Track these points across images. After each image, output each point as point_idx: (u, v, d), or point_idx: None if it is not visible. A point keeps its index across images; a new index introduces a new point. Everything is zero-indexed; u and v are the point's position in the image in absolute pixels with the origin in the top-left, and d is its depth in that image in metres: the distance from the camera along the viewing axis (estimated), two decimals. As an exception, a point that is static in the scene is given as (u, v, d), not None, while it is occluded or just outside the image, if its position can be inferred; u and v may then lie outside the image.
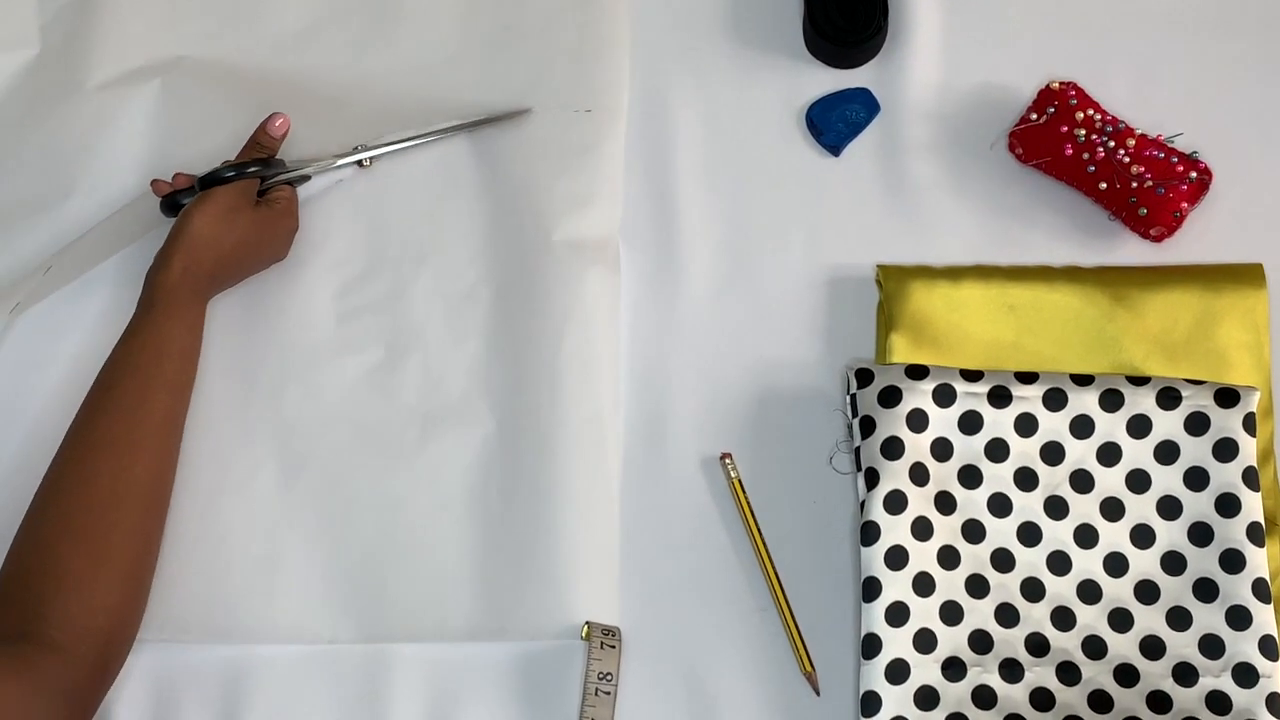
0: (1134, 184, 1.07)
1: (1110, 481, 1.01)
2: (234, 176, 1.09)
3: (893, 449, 1.00)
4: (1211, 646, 0.97)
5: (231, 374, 1.09)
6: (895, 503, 0.99)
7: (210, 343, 1.08)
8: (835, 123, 1.15)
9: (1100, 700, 0.97)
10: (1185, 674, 0.97)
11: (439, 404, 1.08)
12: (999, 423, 1.02)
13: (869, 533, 0.99)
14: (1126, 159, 1.07)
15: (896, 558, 0.99)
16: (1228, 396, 1.01)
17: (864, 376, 1.03)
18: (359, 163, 1.15)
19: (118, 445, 0.98)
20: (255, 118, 1.14)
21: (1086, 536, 1.00)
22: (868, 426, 1.02)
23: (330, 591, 1.03)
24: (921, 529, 0.99)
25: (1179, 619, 0.98)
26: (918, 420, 1.01)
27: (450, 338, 1.10)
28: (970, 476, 1.01)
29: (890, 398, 1.01)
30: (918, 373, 1.02)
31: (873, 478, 1.00)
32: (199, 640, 1.02)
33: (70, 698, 0.91)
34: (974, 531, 1.01)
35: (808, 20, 1.16)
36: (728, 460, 1.05)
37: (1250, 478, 0.99)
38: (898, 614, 0.97)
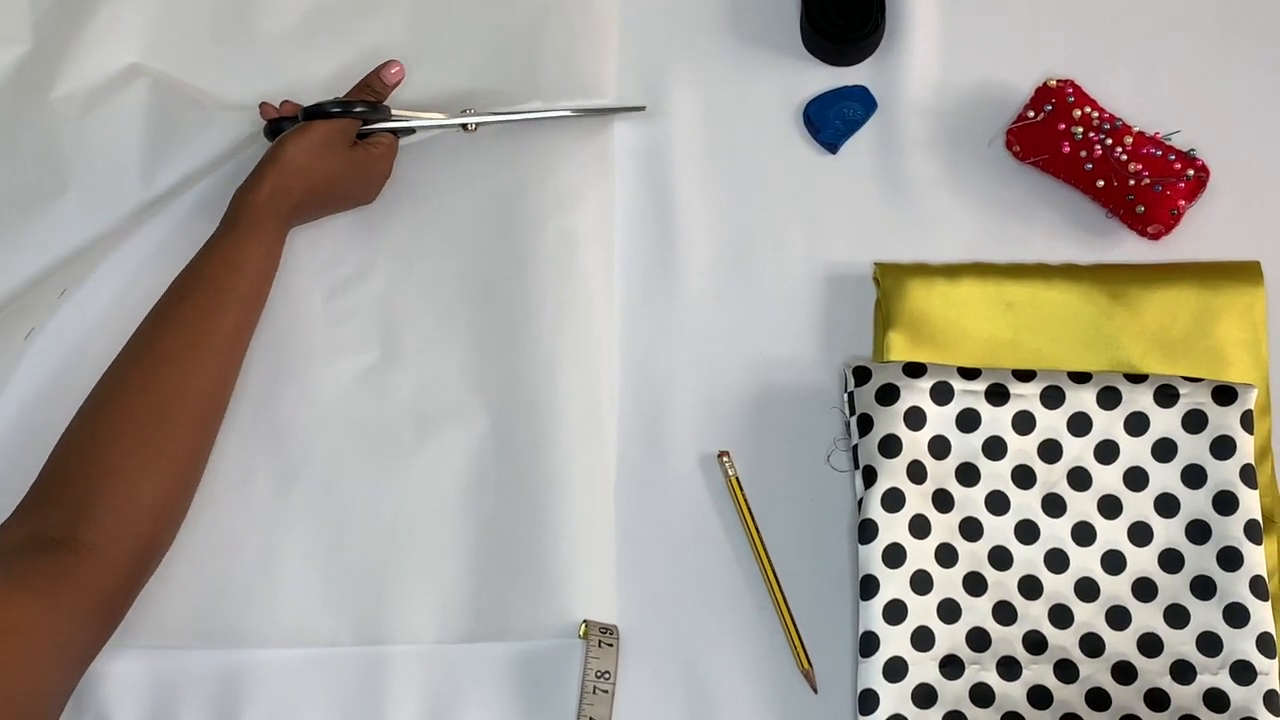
0: (1131, 181, 1.07)
1: (1108, 479, 1.01)
2: (339, 113, 1.09)
3: (890, 447, 1.00)
4: (1209, 644, 0.97)
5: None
6: (893, 501, 0.99)
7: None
8: (833, 120, 1.15)
9: (1098, 698, 0.97)
10: (1183, 672, 0.97)
11: (434, 404, 1.08)
12: (997, 420, 1.02)
13: (867, 530, 0.99)
14: (1124, 156, 1.07)
15: (894, 556, 0.99)
16: (1225, 394, 1.01)
17: (861, 374, 1.03)
18: (464, 126, 1.14)
19: (184, 355, 0.99)
20: (250, 115, 1.14)
21: (1084, 534, 1.00)
22: (865, 424, 1.01)
23: (328, 594, 1.03)
24: (919, 527, 0.99)
25: (1177, 617, 0.98)
26: (915, 418, 1.01)
27: (444, 337, 1.10)
28: (968, 474, 1.01)
29: (888, 395, 1.01)
30: (915, 370, 1.02)
31: (870, 475, 1.00)
32: (196, 645, 1.02)
33: (98, 607, 0.91)
34: (972, 529, 1.00)
35: (805, 17, 1.16)
36: (725, 458, 1.05)
37: (1248, 475, 0.99)
38: (895, 612, 0.97)
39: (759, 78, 1.17)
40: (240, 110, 1.16)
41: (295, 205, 1.07)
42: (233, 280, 1.02)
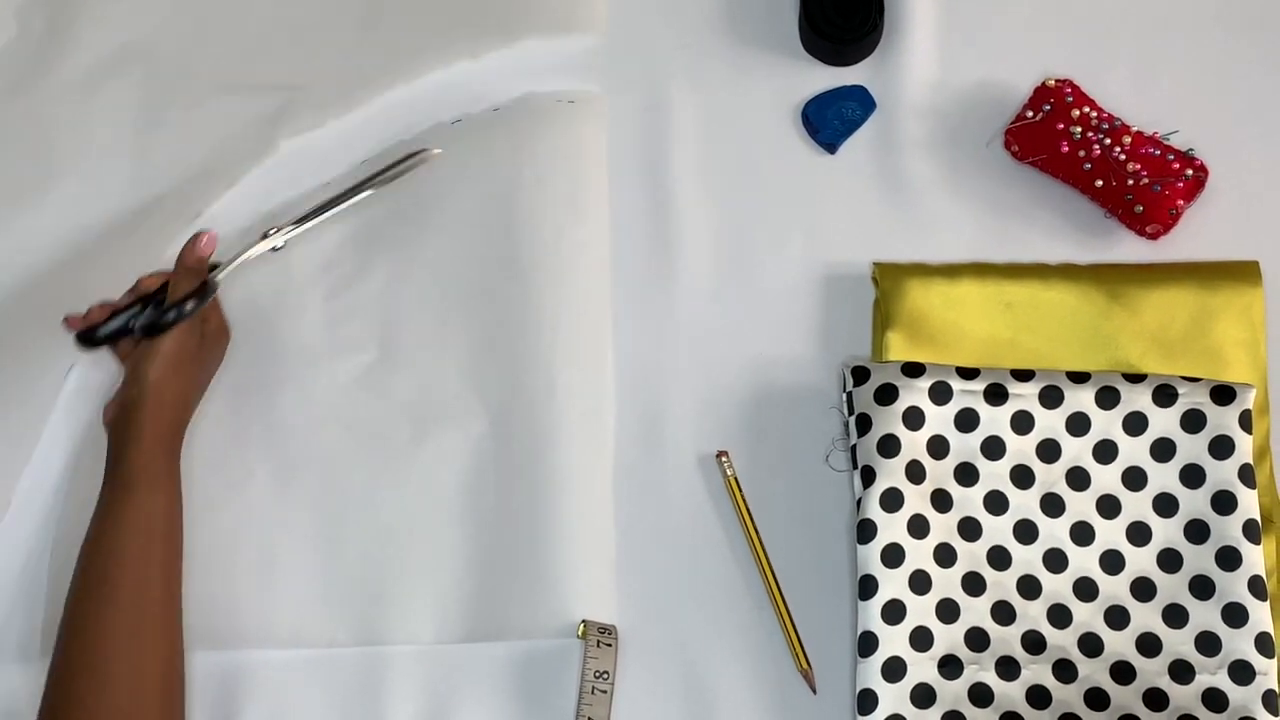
0: (1130, 181, 1.07)
1: (1107, 479, 1.01)
2: (175, 320, 1.00)
3: (889, 447, 1.00)
4: (1208, 644, 0.97)
5: (223, 378, 1.09)
6: (892, 500, 0.99)
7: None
8: (831, 120, 1.15)
9: (1097, 698, 0.97)
10: (1182, 671, 0.97)
11: (432, 404, 1.08)
12: (995, 420, 1.02)
13: (865, 530, 0.99)
14: (1123, 156, 1.07)
15: (893, 556, 0.98)
16: (1224, 394, 1.00)
17: (860, 374, 1.03)
18: (272, 249, 1.06)
19: (131, 646, 0.93)
20: (241, 99, 1.15)
21: (1083, 534, 1.00)
22: (864, 424, 1.01)
23: (327, 594, 1.03)
24: (918, 527, 0.99)
25: (1175, 616, 0.98)
26: (914, 418, 1.01)
27: (442, 337, 1.10)
28: (967, 474, 1.01)
29: (887, 395, 1.01)
30: (914, 370, 1.02)
31: (869, 475, 1.00)
32: (196, 646, 1.01)
33: None
34: (971, 529, 1.00)
35: (804, 17, 1.16)
36: (724, 458, 1.05)
37: (1246, 475, 0.99)
38: (894, 612, 0.97)
39: (757, 78, 1.17)
40: (233, 90, 1.16)
41: (178, 429, 1.02)
42: (150, 548, 0.96)
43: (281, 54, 1.20)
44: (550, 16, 1.19)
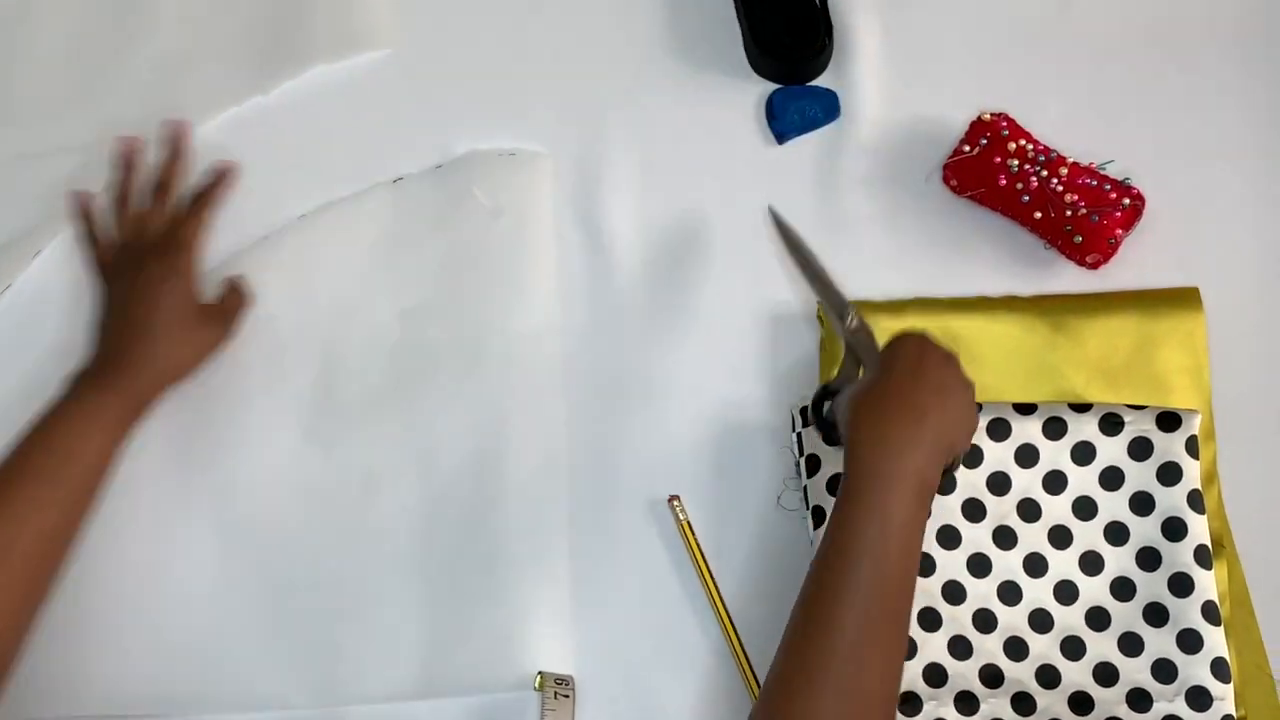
0: (1068, 212, 1.08)
1: (1057, 510, 1.01)
2: None
3: (838, 487, 1.00)
4: (1164, 671, 0.97)
5: (166, 439, 1.08)
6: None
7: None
8: (791, 114, 1.16)
9: (1058, 729, 0.97)
10: (1139, 699, 0.97)
11: (380, 460, 1.07)
12: (944, 455, 1.02)
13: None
14: (1060, 187, 1.08)
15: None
16: (1169, 420, 1.01)
17: (806, 417, 1.03)
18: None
19: None
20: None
21: (1036, 565, 1.00)
22: (813, 465, 1.01)
23: (279, 656, 1.02)
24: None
25: (1130, 645, 0.98)
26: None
27: (387, 392, 1.09)
28: (918, 510, 1.01)
29: (835, 436, 1.01)
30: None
31: (820, 516, 1.00)
32: (148, 714, 1.00)
33: None
34: (925, 565, 1.00)
35: (749, 37, 1.16)
36: (676, 502, 1.04)
37: (1195, 500, 1.00)
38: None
39: (703, 116, 1.17)
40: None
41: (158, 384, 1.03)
42: (63, 472, 0.95)
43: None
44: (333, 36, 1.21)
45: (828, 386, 1.00)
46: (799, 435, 1.03)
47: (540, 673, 1.00)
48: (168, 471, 1.07)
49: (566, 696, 0.98)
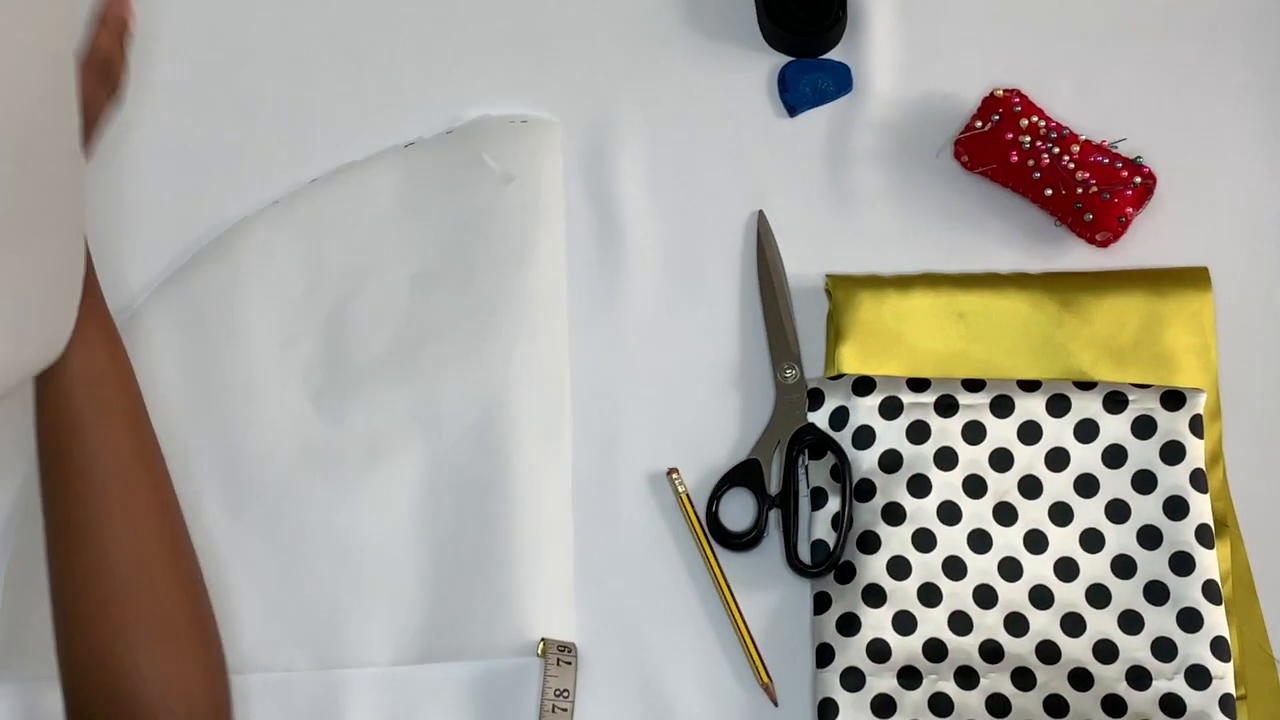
0: (1079, 190, 1.07)
1: (1059, 487, 1.01)
2: None
3: (839, 472, 1.01)
4: (1163, 649, 0.97)
5: (172, 402, 1.08)
6: (841, 522, 1.00)
7: (149, 374, 1.07)
8: (803, 86, 1.15)
9: (1056, 705, 0.97)
10: (1138, 677, 0.97)
11: (386, 425, 1.07)
12: (947, 431, 1.02)
13: (817, 552, 1.00)
14: (1071, 165, 1.08)
15: (845, 573, 0.99)
16: (1174, 399, 1.01)
17: (814, 397, 1.03)
18: None
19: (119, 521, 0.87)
20: None
21: (1036, 542, 1.01)
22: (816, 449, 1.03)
23: (283, 619, 1.03)
24: (869, 543, 1.00)
25: (1130, 622, 0.98)
26: (864, 437, 1.02)
27: (395, 358, 1.09)
28: (919, 486, 1.01)
29: (838, 420, 1.02)
30: (864, 388, 1.03)
31: (820, 498, 1.01)
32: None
33: None
34: (925, 541, 1.01)
35: (763, 12, 1.16)
36: (675, 475, 1.05)
37: (1198, 480, 1.00)
38: (848, 624, 0.98)
39: (710, 91, 1.17)
40: None
41: None
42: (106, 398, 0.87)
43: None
44: None
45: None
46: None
47: (543, 639, 1.00)
48: (172, 434, 1.07)
49: (569, 663, 0.99)
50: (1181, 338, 1.05)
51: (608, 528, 1.05)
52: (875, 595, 0.99)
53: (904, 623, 0.99)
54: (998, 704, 0.97)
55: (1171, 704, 0.96)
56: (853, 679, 0.97)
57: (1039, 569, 1.00)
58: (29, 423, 0.90)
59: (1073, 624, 0.99)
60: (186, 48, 1.21)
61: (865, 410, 1.02)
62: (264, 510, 1.06)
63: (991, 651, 0.99)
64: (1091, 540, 1.00)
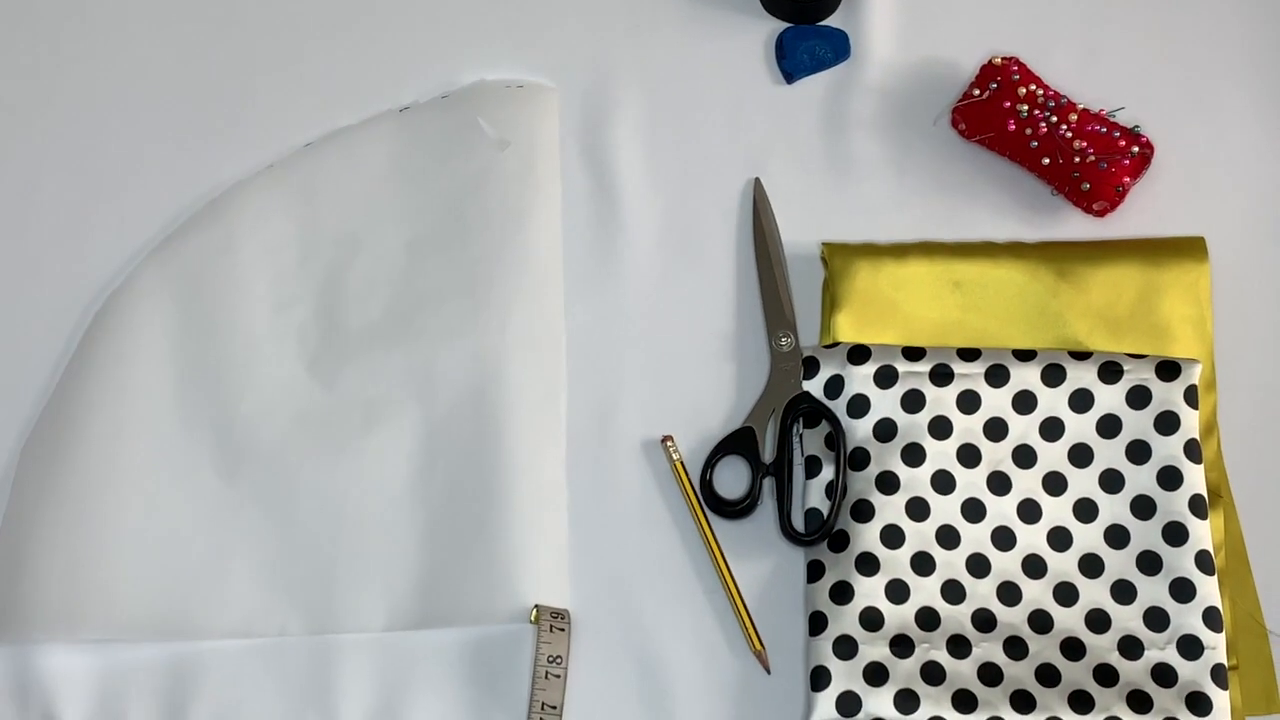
0: (1076, 159, 1.07)
1: (1052, 456, 1.01)
2: None
3: (833, 441, 1.01)
4: (1156, 619, 0.98)
5: (167, 367, 1.08)
6: (835, 490, 1.00)
7: (143, 336, 1.07)
8: (801, 53, 1.15)
9: (1048, 674, 0.97)
10: (1131, 647, 0.97)
11: (381, 391, 1.07)
12: (941, 400, 1.02)
13: (811, 520, 1.00)
14: (1069, 134, 1.08)
15: (839, 541, 0.99)
16: (1169, 369, 1.01)
17: (809, 365, 1.03)
18: None
19: None
20: None
21: (1030, 512, 1.01)
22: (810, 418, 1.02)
23: (276, 584, 1.03)
24: (863, 512, 1.00)
25: (1123, 592, 0.99)
26: (859, 406, 1.02)
27: (390, 324, 1.09)
28: (913, 454, 1.01)
29: (833, 389, 1.02)
30: (859, 356, 1.03)
31: (814, 466, 1.01)
32: (144, 638, 1.01)
33: None
34: (919, 510, 1.01)
35: None
36: (669, 443, 1.05)
37: (1192, 450, 1.00)
38: (841, 592, 0.98)
39: (708, 58, 1.17)
40: None
41: None
42: None
43: None
44: None
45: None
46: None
47: (536, 606, 1.00)
48: (167, 399, 1.07)
49: (562, 630, 0.99)
50: (1177, 308, 1.05)
51: (602, 495, 1.05)
52: (868, 564, 0.99)
53: (897, 591, 0.99)
54: (990, 673, 0.98)
55: (1163, 674, 0.96)
56: (845, 647, 0.97)
57: (1032, 538, 1.00)
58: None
59: (1065, 593, 0.99)
60: (181, 11, 1.20)
61: (860, 379, 1.02)
62: (258, 475, 1.05)
63: (984, 620, 0.99)
64: (1085, 510, 1.00)
